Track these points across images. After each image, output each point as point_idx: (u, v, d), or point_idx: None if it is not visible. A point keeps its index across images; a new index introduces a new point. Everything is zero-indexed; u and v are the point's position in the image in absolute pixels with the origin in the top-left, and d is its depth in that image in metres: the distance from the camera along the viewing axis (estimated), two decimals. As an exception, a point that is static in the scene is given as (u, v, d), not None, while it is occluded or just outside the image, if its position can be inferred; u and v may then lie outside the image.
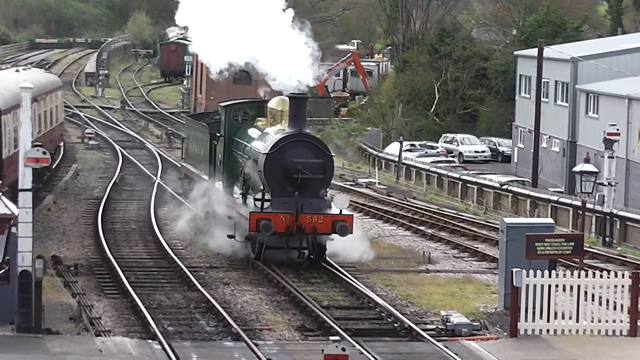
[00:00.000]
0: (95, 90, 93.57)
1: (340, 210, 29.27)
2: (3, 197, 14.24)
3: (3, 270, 14.45)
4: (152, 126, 76.73)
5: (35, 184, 25.25)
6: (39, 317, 22.77)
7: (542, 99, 57.70)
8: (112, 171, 53.48)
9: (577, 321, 23.04)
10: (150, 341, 22.36)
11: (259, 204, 29.00)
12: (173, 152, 62.15)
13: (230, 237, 31.67)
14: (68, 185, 48.86)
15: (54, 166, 49.55)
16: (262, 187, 29.47)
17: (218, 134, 34.27)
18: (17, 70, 52.43)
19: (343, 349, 19.14)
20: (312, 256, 29.29)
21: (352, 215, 30.27)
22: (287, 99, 30.71)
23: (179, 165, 45.27)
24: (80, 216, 40.82)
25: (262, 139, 30.96)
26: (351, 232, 29.59)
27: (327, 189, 30.35)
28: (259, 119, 32.98)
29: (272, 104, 32.09)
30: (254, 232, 28.84)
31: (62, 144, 57.62)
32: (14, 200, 21.93)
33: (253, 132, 32.36)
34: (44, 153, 23.44)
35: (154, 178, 50.16)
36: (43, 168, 29.62)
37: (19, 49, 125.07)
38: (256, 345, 21.62)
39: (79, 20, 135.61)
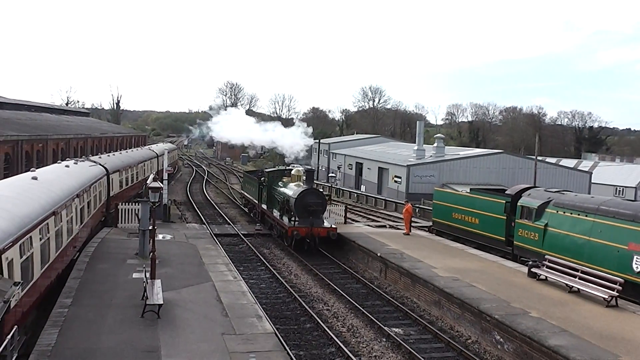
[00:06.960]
0: (186, 150, 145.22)
1: (331, 225, 35.45)
2: (158, 181, 19.94)
3: (159, 204, 18.63)
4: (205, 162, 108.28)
5: (168, 178, 43.33)
6: (169, 217, 42.96)
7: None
8: (190, 174, 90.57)
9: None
10: (203, 224, 42.20)
11: (292, 221, 35.20)
12: (210, 168, 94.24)
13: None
14: (178, 178, 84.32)
15: (174, 172, 79.37)
16: (292, 213, 35.46)
17: (264, 184, 41.35)
18: (162, 143, 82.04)
19: (260, 226, 42.82)
20: (314, 245, 34.95)
21: (337, 227, 35.72)
22: (302, 169, 37.47)
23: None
24: (182, 187, 72.79)
25: (287, 188, 37.72)
26: (336, 236, 35.35)
27: (323, 214, 36.59)
28: (283, 177, 40.36)
29: (294, 171, 38.51)
30: (289, 235, 34.78)
31: (177, 166, 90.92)
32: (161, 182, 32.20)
33: (281, 184, 39.48)
34: (170, 168, 49.99)
35: (204, 177, 76.58)
36: (170, 173, 41.72)
37: (164, 137, 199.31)
38: (234, 225, 43.34)
39: (180, 125, 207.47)
